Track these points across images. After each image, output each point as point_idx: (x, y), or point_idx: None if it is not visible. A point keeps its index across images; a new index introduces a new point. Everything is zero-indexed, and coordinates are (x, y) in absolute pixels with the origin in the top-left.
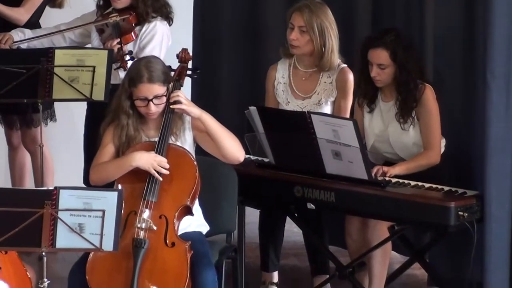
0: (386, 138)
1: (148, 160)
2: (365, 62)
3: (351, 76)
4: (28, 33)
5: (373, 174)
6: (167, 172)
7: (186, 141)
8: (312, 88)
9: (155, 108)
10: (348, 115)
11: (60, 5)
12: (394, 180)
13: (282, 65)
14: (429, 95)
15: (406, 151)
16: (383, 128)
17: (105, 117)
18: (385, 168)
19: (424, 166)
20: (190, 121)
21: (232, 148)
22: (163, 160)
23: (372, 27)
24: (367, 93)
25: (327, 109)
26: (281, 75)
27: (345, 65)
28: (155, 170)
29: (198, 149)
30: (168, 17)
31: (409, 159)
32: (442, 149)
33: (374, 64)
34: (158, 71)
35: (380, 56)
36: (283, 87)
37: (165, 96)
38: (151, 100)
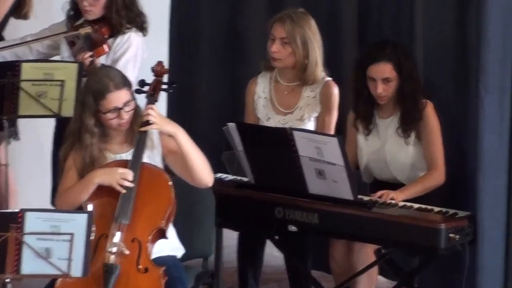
0: (382, 156)
1: (109, 175)
2: (363, 81)
3: (336, 90)
4: None
5: (377, 198)
6: (131, 185)
7: (154, 156)
8: (294, 103)
9: (127, 116)
10: (332, 132)
11: (25, 16)
12: (381, 200)
13: (262, 79)
14: (431, 111)
15: (402, 172)
16: (380, 146)
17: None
18: (392, 194)
19: (431, 188)
20: (159, 136)
21: (203, 172)
22: (126, 172)
23: (358, 38)
24: (365, 114)
25: (311, 125)
26: (261, 89)
27: (329, 78)
28: (119, 185)
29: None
30: (142, 27)
31: (413, 181)
32: None
33: (378, 79)
34: (119, 77)
35: (385, 70)
36: (264, 102)
37: (133, 100)
38: (122, 108)
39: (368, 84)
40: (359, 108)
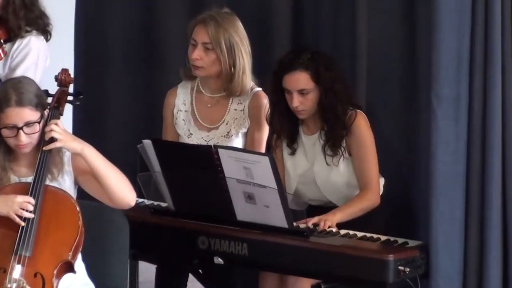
0: (312, 178)
1: (6, 203)
2: (278, 93)
3: (266, 102)
4: None
5: (310, 224)
6: (31, 216)
7: (65, 181)
8: (219, 117)
9: (26, 139)
10: (263, 149)
11: None
12: (319, 228)
13: (182, 89)
14: (362, 122)
15: (337, 193)
16: (308, 167)
17: None
18: (328, 221)
19: (366, 210)
20: (70, 157)
21: (121, 190)
22: (26, 201)
23: (293, 41)
24: (283, 130)
25: (238, 142)
26: (181, 102)
27: (259, 89)
28: (17, 215)
29: (81, 192)
30: (45, 31)
31: (347, 202)
32: (381, 190)
33: (294, 91)
34: (30, 94)
35: (300, 80)
36: (184, 116)
37: (39, 123)
38: (21, 128)
39: (286, 97)
40: (276, 124)
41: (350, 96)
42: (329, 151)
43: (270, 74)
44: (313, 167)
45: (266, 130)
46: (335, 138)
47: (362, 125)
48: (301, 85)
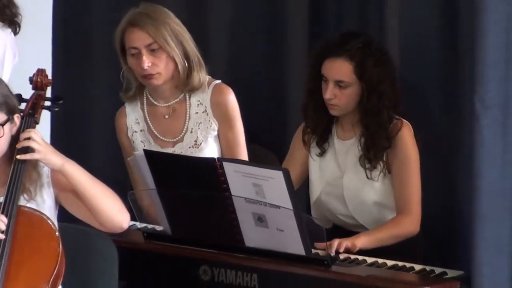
0: (339, 190)
1: None
2: (317, 80)
3: (231, 96)
4: None
5: (332, 250)
6: (2, 236)
7: (44, 202)
8: (181, 127)
9: None
10: (243, 149)
11: None
12: (343, 255)
13: (131, 107)
14: (407, 135)
15: (366, 214)
16: (337, 175)
17: None
18: (348, 242)
19: (399, 238)
20: (50, 173)
21: (111, 211)
22: None
23: (308, 39)
24: (318, 125)
25: (212, 149)
26: (133, 121)
27: (218, 81)
28: None
29: (63, 213)
30: (12, 21)
31: (377, 226)
32: None
33: (331, 80)
34: None
35: (340, 69)
36: (142, 137)
37: (2, 126)
38: None
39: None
40: (310, 114)
41: (398, 103)
42: (367, 164)
43: (311, 57)
44: (343, 178)
45: (239, 127)
46: (376, 149)
47: (407, 138)
48: (339, 75)
